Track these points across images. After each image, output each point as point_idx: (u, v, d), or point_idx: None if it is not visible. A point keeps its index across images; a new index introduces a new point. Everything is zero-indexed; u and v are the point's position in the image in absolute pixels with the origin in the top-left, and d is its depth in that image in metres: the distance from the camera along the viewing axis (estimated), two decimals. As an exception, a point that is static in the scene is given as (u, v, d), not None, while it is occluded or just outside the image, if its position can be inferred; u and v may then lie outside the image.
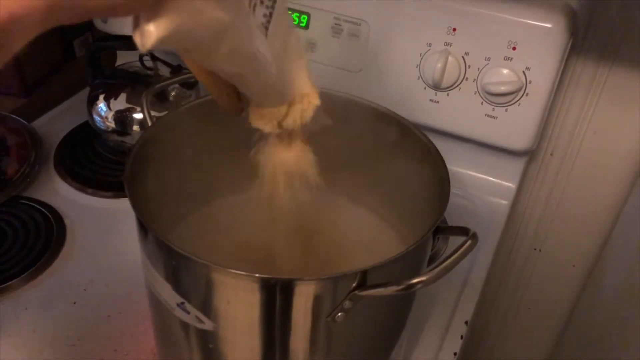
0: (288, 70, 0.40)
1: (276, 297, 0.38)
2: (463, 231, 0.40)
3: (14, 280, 0.61)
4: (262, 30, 0.35)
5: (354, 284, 0.38)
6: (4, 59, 0.24)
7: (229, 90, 0.41)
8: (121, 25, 0.87)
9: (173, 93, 0.76)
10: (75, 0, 0.24)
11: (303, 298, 0.39)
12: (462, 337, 0.60)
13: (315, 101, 0.43)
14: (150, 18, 0.25)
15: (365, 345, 0.46)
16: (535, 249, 0.91)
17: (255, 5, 0.33)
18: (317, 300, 0.39)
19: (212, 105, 0.55)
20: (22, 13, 0.22)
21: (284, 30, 0.37)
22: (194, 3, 0.26)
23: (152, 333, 0.54)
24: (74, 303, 0.60)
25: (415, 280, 0.36)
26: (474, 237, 0.39)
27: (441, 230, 0.43)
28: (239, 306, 0.40)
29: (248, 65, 0.35)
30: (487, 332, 1.02)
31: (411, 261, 0.43)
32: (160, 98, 0.76)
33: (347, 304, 0.39)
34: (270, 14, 0.35)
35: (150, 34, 0.25)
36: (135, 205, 0.41)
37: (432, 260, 0.49)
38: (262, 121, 0.43)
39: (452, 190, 0.45)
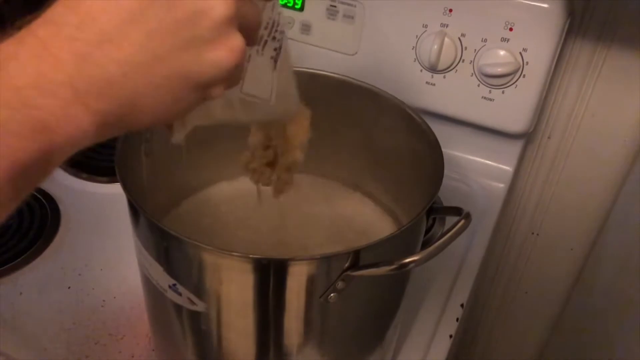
0: (284, 94, 0.41)
1: (269, 278, 0.38)
2: (457, 211, 0.40)
3: (8, 265, 0.61)
4: (271, 65, 0.37)
5: (346, 264, 0.38)
6: (48, 174, 0.26)
7: None
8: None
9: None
10: (124, 118, 0.26)
11: (296, 278, 0.38)
12: (457, 319, 0.59)
13: (304, 136, 0.46)
14: (179, 127, 0.34)
15: (359, 326, 0.46)
16: (532, 233, 0.90)
17: (265, 42, 0.36)
18: (310, 281, 0.39)
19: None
20: (76, 135, 0.25)
21: (286, 56, 0.38)
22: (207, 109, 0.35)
23: (147, 317, 0.54)
24: (69, 288, 0.60)
25: (407, 260, 0.36)
26: (467, 216, 0.39)
27: (435, 210, 0.43)
28: (231, 287, 0.40)
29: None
30: (484, 316, 1.03)
31: (404, 242, 0.43)
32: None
33: (339, 284, 0.38)
34: (280, 46, 0.37)
35: (180, 135, 0.35)
36: (125, 186, 0.41)
37: (427, 244, 0.49)
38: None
39: (449, 173, 0.45)
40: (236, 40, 0.27)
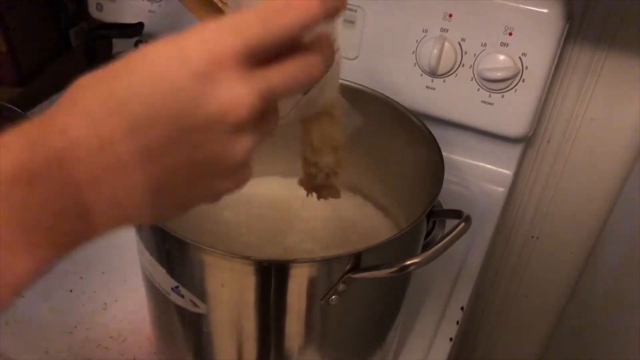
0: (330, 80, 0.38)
1: (271, 280, 0.39)
2: (457, 214, 0.40)
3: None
4: None
5: (347, 267, 0.38)
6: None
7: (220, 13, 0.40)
8: (116, 14, 0.87)
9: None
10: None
11: (297, 281, 0.39)
12: (458, 322, 0.60)
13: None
14: None
15: (359, 328, 0.46)
16: (532, 237, 0.91)
17: None
18: (312, 283, 0.39)
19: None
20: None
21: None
22: None
23: (149, 320, 0.54)
24: (71, 291, 0.61)
25: (408, 262, 0.36)
26: (467, 219, 0.39)
27: (435, 213, 0.43)
28: (233, 289, 0.40)
29: None
30: (484, 319, 1.03)
31: (405, 245, 0.43)
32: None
33: (341, 286, 0.39)
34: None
35: None
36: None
37: (427, 247, 0.49)
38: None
39: (449, 177, 0.45)
40: (246, 175, 0.29)
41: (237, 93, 0.25)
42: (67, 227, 0.25)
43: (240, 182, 0.29)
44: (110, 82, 0.25)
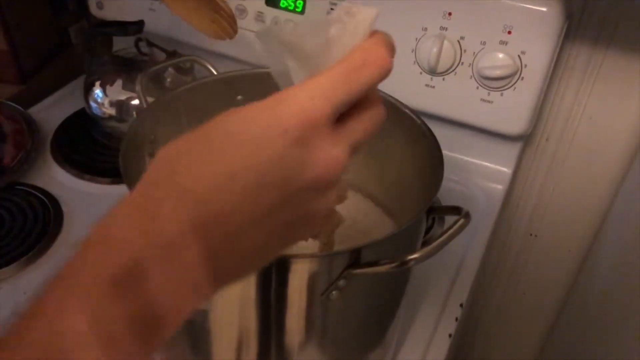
0: None
1: (271, 276, 0.39)
2: (456, 210, 0.41)
3: (11, 266, 0.62)
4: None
5: (348, 263, 0.38)
6: None
7: (212, 15, 0.40)
8: (117, 12, 0.87)
9: (169, 79, 0.76)
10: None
11: (298, 276, 0.39)
12: (457, 319, 0.60)
13: None
14: None
15: (360, 324, 0.46)
16: (530, 235, 0.91)
17: None
18: (312, 279, 0.39)
19: (207, 88, 0.55)
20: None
21: None
22: None
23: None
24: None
25: (408, 258, 0.37)
26: (466, 215, 0.39)
27: (434, 210, 0.43)
28: (234, 285, 0.40)
29: None
30: (483, 317, 1.03)
31: (405, 241, 0.44)
32: (157, 84, 0.76)
33: (341, 282, 0.39)
34: None
35: None
36: (130, 187, 0.41)
37: (427, 243, 0.49)
38: None
39: (448, 175, 0.46)
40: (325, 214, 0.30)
41: (332, 155, 0.27)
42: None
43: (321, 223, 0.31)
44: (210, 155, 0.25)
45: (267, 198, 0.26)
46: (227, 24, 0.41)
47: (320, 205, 0.28)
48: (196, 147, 0.26)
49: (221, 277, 0.27)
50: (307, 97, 0.26)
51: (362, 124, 0.28)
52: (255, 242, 0.27)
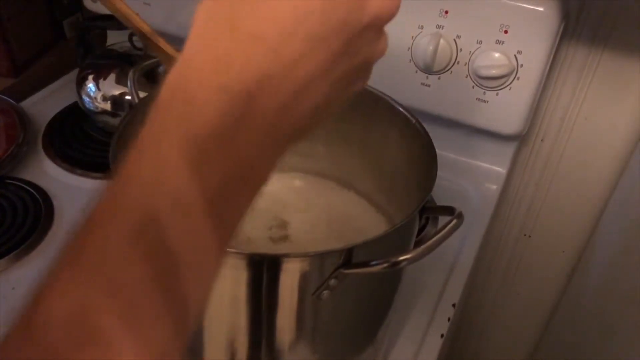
0: None
1: (262, 274, 0.38)
2: (449, 210, 0.40)
3: (1, 260, 0.61)
4: None
5: (339, 262, 0.38)
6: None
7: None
8: (111, 6, 0.86)
9: (162, 74, 0.76)
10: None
11: (289, 275, 0.39)
12: (449, 319, 0.60)
13: None
14: None
15: (350, 323, 0.46)
16: (524, 235, 0.91)
17: None
18: (303, 278, 0.39)
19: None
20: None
21: None
22: None
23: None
24: (62, 283, 0.60)
25: (400, 258, 0.36)
26: (459, 216, 0.39)
27: (428, 210, 0.43)
28: (224, 283, 0.40)
29: None
30: (476, 317, 1.03)
31: (397, 241, 0.43)
32: (150, 79, 0.75)
33: (332, 281, 0.39)
34: None
35: None
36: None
37: (420, 243, 0.49)
38: None
39: (442, 175, 0.45)
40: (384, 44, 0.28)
41: None
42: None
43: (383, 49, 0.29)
44: (264, 2, 0.23)
45: (334, 43, 0.24)
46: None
47: (377, 50, 0.27)
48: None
49: (290, 134, 0.25)
50: None
51: None
52: (320, 95, 0.25)
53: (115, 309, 0.21)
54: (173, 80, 0.24)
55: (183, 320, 0.23)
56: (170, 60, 0.40)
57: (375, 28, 0.26)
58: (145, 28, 0.39)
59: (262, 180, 0.26)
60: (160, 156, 0.23)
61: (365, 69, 0.27)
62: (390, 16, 0.26)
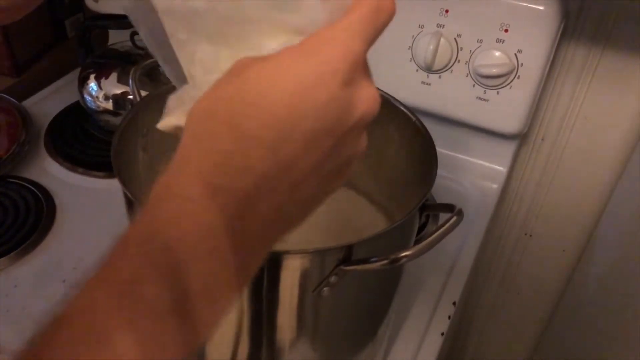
0: None
1: (263, 271, 0.39)
2: (449, 208, 0.40)
3: (3, 258, 0.61)
4: None
5: (340, 259, 0.38)
6: None
7: None
8: (113, 5, 0.87)
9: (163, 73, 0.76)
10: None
11: (289, 272, 0.39)
12: (449, 317, 0.60)
13: None
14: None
15: (351, 321, 0.46)
16: (525, 234, 0.91)
17: None
18: (304, 275, 0.39)
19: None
20: None
21: None
22: None
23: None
24: (64, 281, 0.60)
25: (400, 255, 0.37)
26: (459, 213, 0.39)
27: (427, 207, 0.43)
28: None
29: None
30: (477, 315, 1.03)
31: (397, 238, 0.44)
32: (151, 78, 0.75)
33: (333, 278, 0.39)
34: None
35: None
36: (123, 181, 0.41)
37: (420, 241, 0.49)
38: None
39: (443, 173, 0.45)
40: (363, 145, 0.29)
41: (372, 92, 0.27)
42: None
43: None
44: (262, 105, 0.24)
45: (325, 143, 0.25)
46: None
47: (359, 147, 0.28)
48: (239, 96, 0.25)
49: (282, 229, 0.27)
50: (349, 37, 0.26)
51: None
52: (310, 191, 0.26)
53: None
54: (168, 179, 0.25)
55: (193, 342, 0.25)
56: None
57: (360, 127, 0.27)
58: None
59: (253, 271, 0.27)
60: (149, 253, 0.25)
61: (348, 164, 0.28)
62: (373, 116, 0.27)
